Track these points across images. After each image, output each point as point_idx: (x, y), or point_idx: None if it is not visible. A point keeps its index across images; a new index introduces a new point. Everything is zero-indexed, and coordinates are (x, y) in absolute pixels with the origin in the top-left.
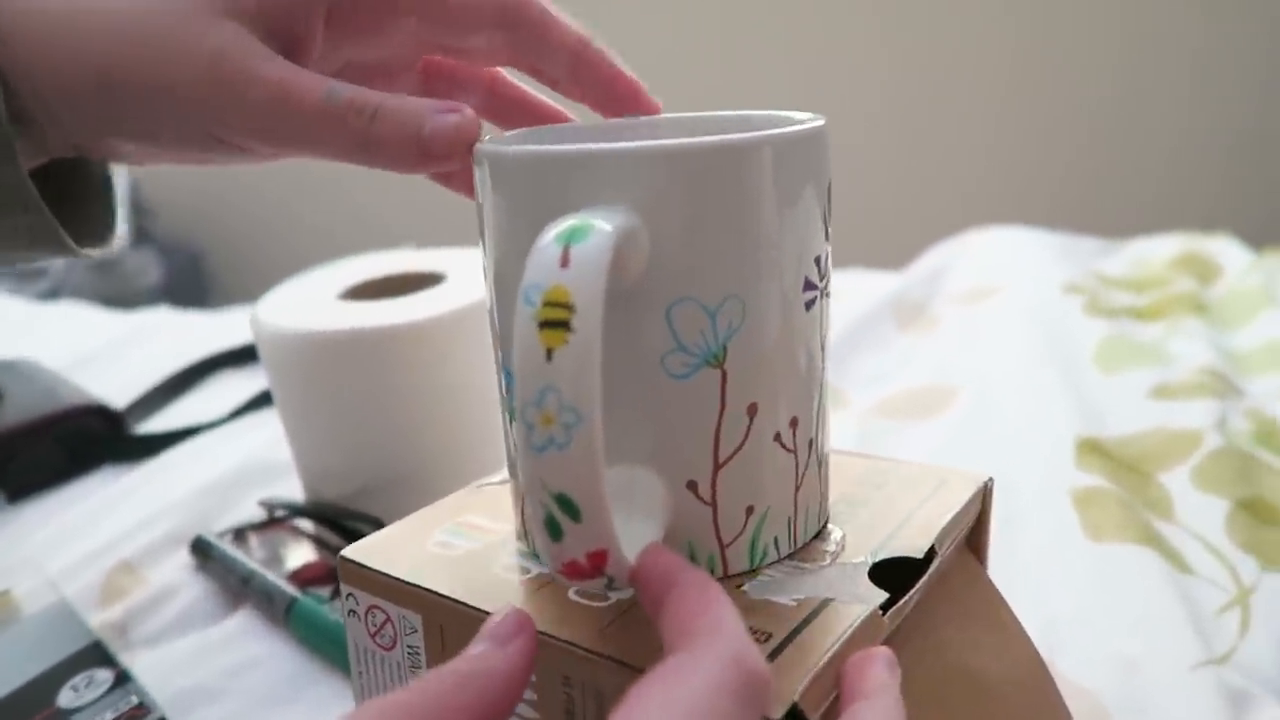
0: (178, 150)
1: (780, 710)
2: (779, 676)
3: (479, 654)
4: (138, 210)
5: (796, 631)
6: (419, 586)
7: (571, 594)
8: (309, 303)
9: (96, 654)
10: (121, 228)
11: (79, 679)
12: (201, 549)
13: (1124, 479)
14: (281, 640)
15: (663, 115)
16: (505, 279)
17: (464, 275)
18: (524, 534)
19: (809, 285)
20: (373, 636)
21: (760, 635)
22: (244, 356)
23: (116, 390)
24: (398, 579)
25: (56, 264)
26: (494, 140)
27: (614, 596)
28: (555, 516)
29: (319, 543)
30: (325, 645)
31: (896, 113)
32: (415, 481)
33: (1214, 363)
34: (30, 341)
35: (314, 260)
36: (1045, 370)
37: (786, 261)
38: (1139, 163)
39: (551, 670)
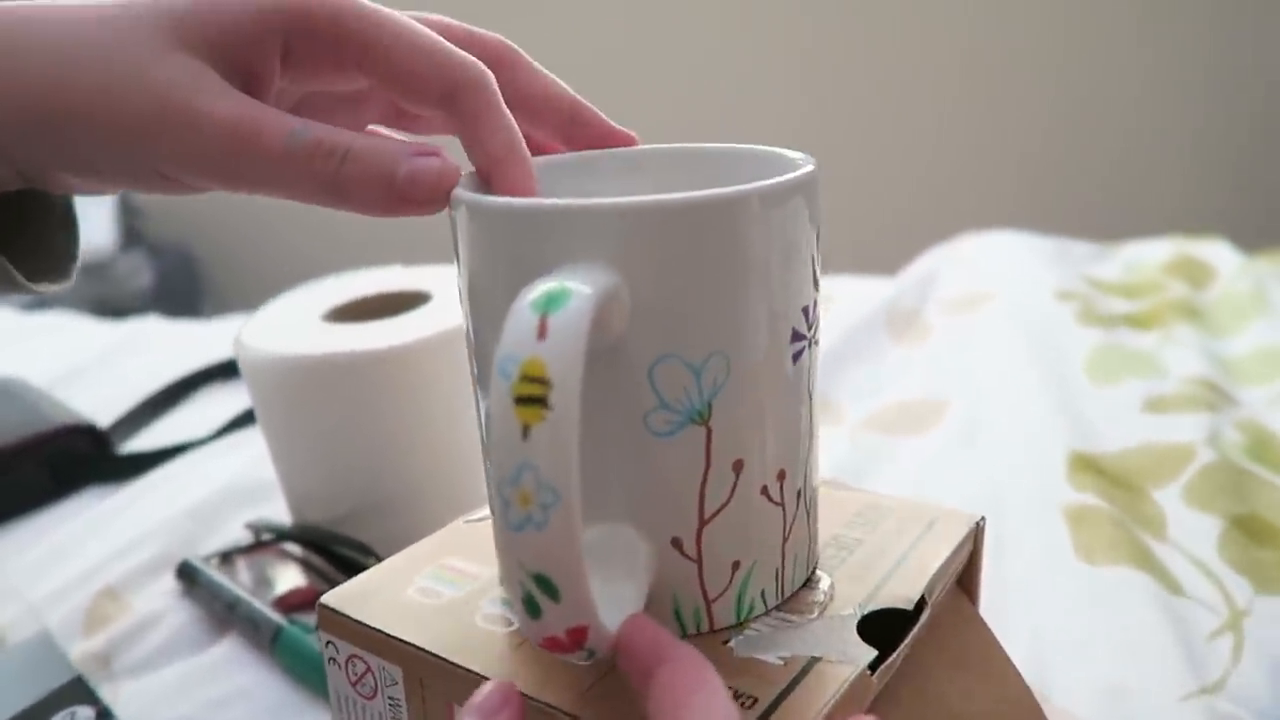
0: (125, 185)
1: None
2: None
3: None
4: (128, 211)
5: (783, 696)
6: (399, 639)
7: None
8: (293, 325)
9: (78, 690)
10: (77, 260)
11: (61, 716)
12: (187, 574)
13: (1117, 496)
14: (267, 669)
15: (645, 147)
16: (481, 318)
17: (450, 295)
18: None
19: (796, 336)
20: (353, 685)
21: (746, 700)
22: (231, 370)
23: (105, 404)
24: (378, 630)
25: None
26: (470, 182)
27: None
28: (534, 595)
29: (307, 566)
30: (311, 675)
31: (889, 116)
32: (401, 506)
33: (1207, 372)
34: (19, 353)
35: (307, 260)
36: (1037, 382)
37: (773, 314)
38: (1130, 165)
39: None
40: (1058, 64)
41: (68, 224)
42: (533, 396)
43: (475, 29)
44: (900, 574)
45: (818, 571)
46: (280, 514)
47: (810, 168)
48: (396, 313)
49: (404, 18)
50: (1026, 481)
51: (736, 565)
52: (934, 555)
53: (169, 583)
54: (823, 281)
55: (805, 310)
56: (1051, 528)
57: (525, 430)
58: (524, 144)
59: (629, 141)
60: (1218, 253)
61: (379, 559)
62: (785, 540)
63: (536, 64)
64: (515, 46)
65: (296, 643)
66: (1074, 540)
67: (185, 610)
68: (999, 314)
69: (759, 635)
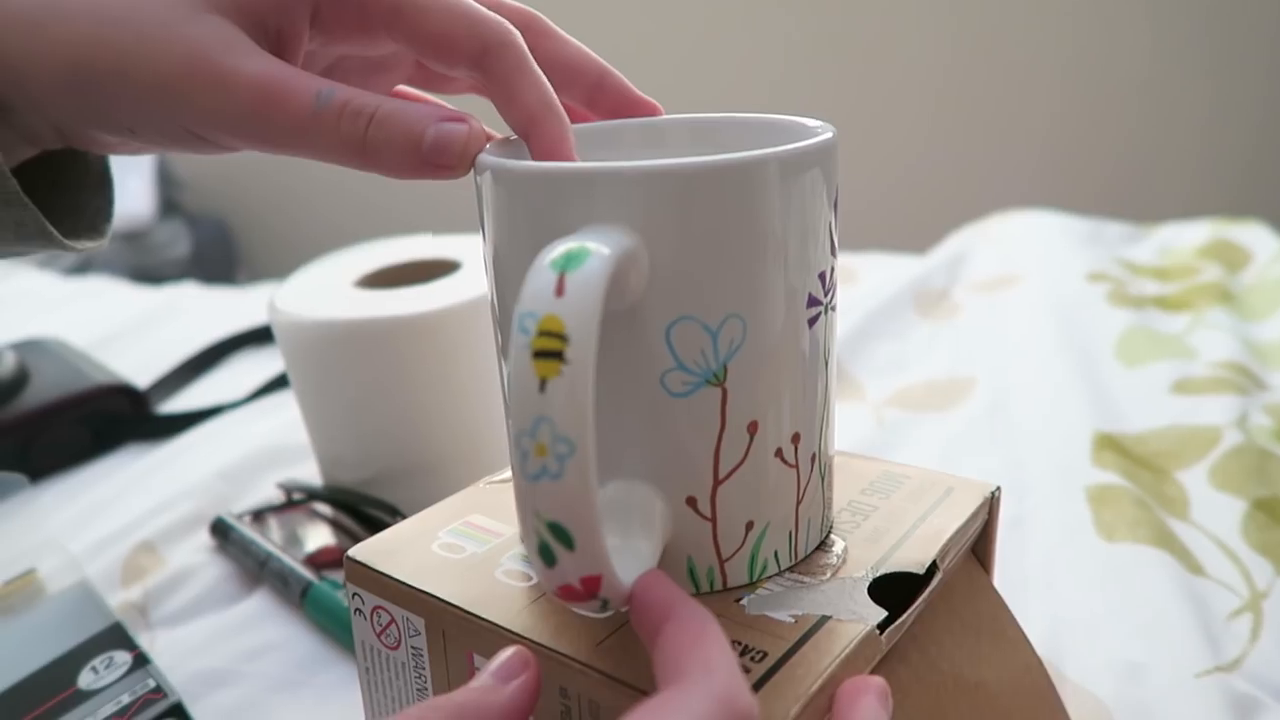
0: (159, 145)
1: None
2: (773, 699)
3: (480, 688)
4: (167, 182)
5: (792, 651)
6: (423, 591)
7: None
8: (325, 290)
9: (117, 635)
10: (112, 220)
11: (99, 660)
12: (221, 530)
13: (1140, 477)
14: (297, 623)
15: (667, 117)
16: (505, 283)
17: (479, 263)
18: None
19: (813, 302)
20: (378, 635)
21: (755, 654)
22: (265, 336)
23: (143, 366)
24: (402, 582)
25: None
26: (495, 148)
27: (613, 610)
28: (549, 543)
29: (336, 526)
30: (339, 630)
31: (923, 91)
32: (428, 470)
33: (1237, 356)
34: (60, 317)
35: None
36: (1065, 363)
37: (790, 279)
38: (1170, 146)
39: (550, 679)
40: (1098, 41)
41: (104, 185)
42: (550, 351)
43: None
44: (913, 540)
45: (832, 535)
46: (311, 475)
47: (829, 135)
48: (426, 280)
49: None
50: (1050, 460)
51: (750, 526)
52: (948, 522)
53: (203, 538)
54: (852, 258)
55: (822, 276)
56: (1073, 506)
57: (542, 384)
58: (558, 101)
59: (654, 110)
60: (1256, 236)
61: (405, 519)
62: (799, 503)
63: (562, 31)
64: (540, 15)
65: (325, 598)
66: (1095, 519)
67: (219, 565)
68: (1028, 294)
69: (771, 594)
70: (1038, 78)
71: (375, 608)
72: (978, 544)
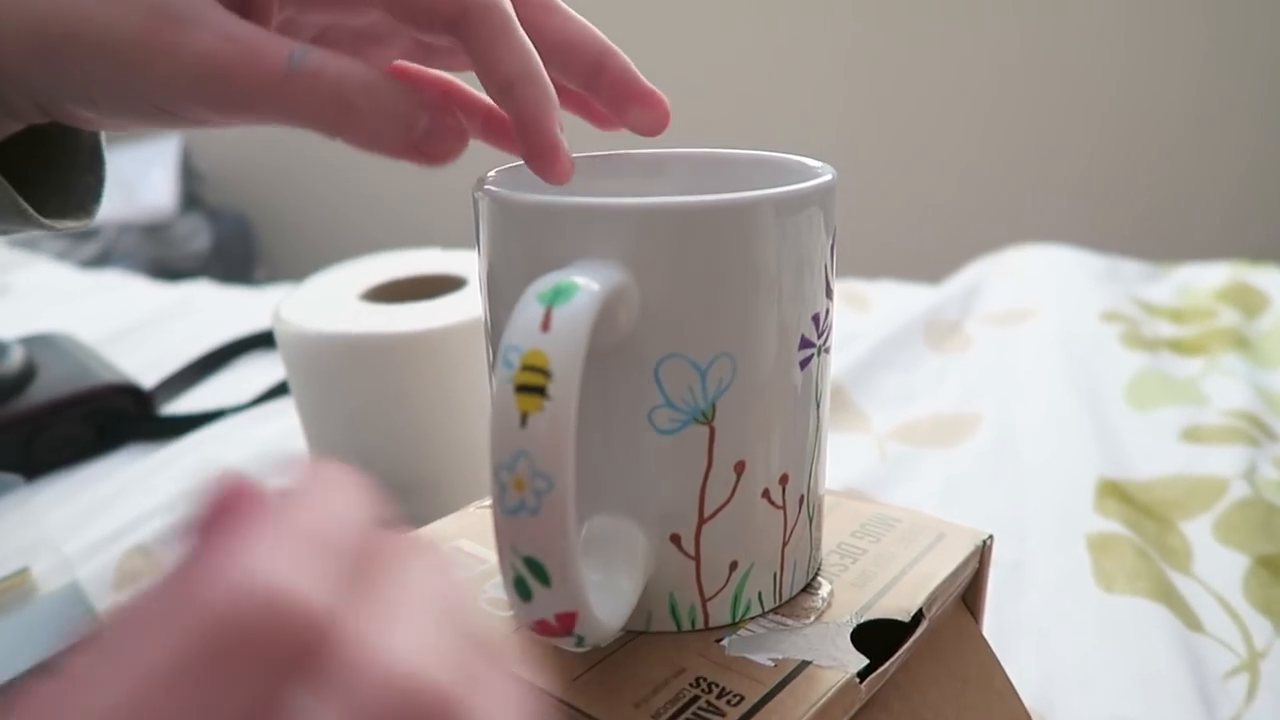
0: (124, 118)
1: None
2: None
3: None
4: (189, 176)
5: (769, 696)
6: None
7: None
8: (330, 302)
9: None
10: (100, 200)
11: None
12: None
13: (1143, 526)
14: None
15: (669, 150)
16: (496, 305)
17: None
18: None
19: (805, 343)
20: None
21: (732, 697)
22: (272, 340)
23: (152, 364)
24: None
25: (107, 228)
26: (494, 177)
27: (591, 646)
28: (525, 578)
29: None
30: None
31: (954, 123)
32: (423, 487)
33: (1250, 404)
34: (74, 310)
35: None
36: (1073, 404)
37: (783, 320)
38: (1195, 185)
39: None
40: (1128, 80)
41: (96, 162)
42: (533, 386)
43: None
44: (901, 586)
45: (819, 578)
46: None
47: (828, 177)
48: (431, 296)
49: None
50: (1052, 505)
51: (734, 566)
52: (937, 569)
53: None
54: (865, 285)
55: (816, 318)
56: (1073, 554)
57: (524, 418)
58: (542, 70)
59: (658, 101)
60: (1275, 280)
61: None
62: (785, 544)
63: (566, 5)
64: None
65: None
66: (1095, 568)
67: None
68: (1041, 331)
69: (753, 636)
70: (1070, 113)
71: None
72: (968, 592)
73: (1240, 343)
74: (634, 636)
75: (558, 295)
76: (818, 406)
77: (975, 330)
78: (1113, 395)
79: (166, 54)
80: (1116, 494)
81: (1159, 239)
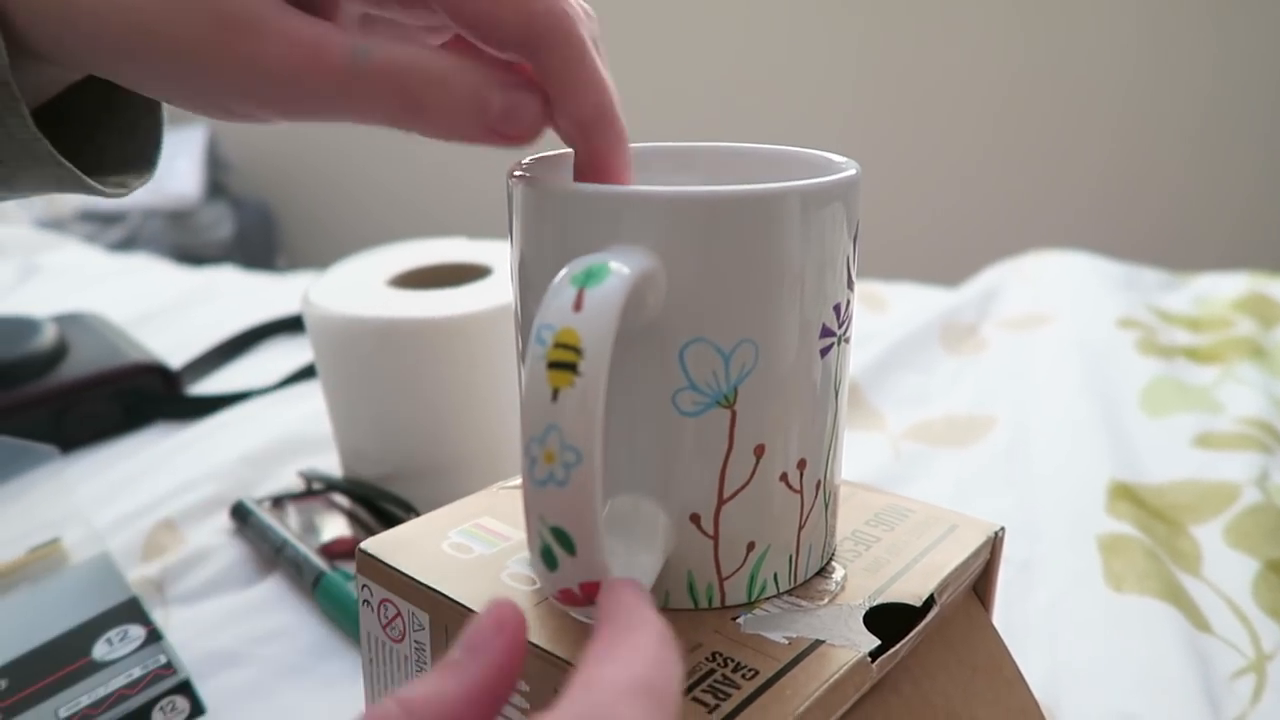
0: (181, 106)
1: None
2: (759, 717)
3: (443, 669)
4: (214, 164)
5: (783, 672)
6: (429, 587)
7: (574, 613)
8: (358, 287)
9: (133, 610)
10: (156, 164)
11: (114, 633)
12: (241, 514)
13: (1154, 528)
14: (307, 610)
15: (698, 144)
16: (528, 292)
17: (509, 270)
18: None
19: (826, 332)
20: (384, 627)
21: (747, 671)
22: (299, 324)
23: (178, 346)
24: (410, 577)
25: (133, 214)
26: (528, 164)
27: None
28: (551, 547)
29: (352, 518)
30: (347, 620)
31: (966, 126)
32: (446, 471)
33: (1264, 413)
34: (102, 292)
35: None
36: (1087, 408)
37: (805, 309)
38: (1214, 194)
39: (546, 682)
40: (1153, 89)
41: (154, 107)
42: (564, 362)
43: None
44: (913, 572)
45: (833, 563)
46: (332, 466)
47: (852, 172)
48: (457, 283)
49: None
50: (1064, 506)
51: (751, 546)
52: (949, 558)
53: (223, 520)
54: (882, 287)
55: (837, 308)
56: (1084, 554)
57: (555, 393)
58: (616, 106)
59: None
60: None
61: (419, 517)
62: (801, 528)
63: (592, 51)
64: (575, 21)
65: (336, 588)
66: (1105, 568)
67: (236, 548)
68: (1057, 335)
69: (768, 615)
70: (1089, 120)
71: (383, 600)
72: (979, 583)
73: (1256, 352)
74: None
75: (590, 277)
76: (836, 395)
77: (991, 334)
78: (1127, 401)
79: (230, 62)
80: (1128, 497)
81: (1177, 248)
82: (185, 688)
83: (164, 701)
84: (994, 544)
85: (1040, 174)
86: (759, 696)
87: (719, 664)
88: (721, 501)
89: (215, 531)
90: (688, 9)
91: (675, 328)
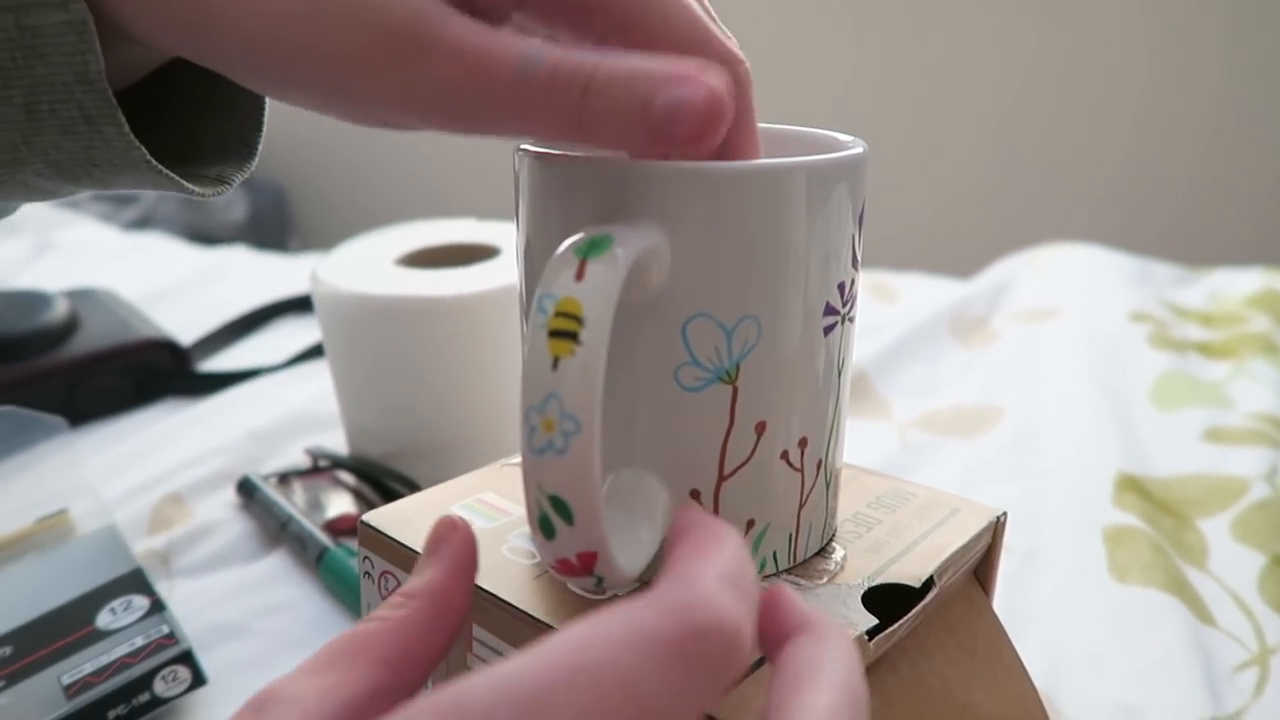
0: (318, 110)
1: None
2: (753, 692)
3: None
4: None
5: None
6: None
7: (571, 584)
8: (366, 266)
9: (137, 580)
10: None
11: (118, 603)
12: (247, 489)
13: (1160, 521)
14: (310, 585)
15: None
16: (533, 271)
17: None
18: None
19: (830, 310)
20: (384, 599)
21: None
22: (307, 305)
23: (189, 324)
24: (411, 549)
25: (148, 194)
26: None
27: (610, 591)
28: (549, 516)
29: (357, 495)
30: (349, 595)
31: (981, 118)
32: (450, 449)
33: (1275, 409)
34: (115, 269)
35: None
36: (1097, 401)
37: (808, 287)
38: (1230, 190)
39: None
40: (1169, 83)
41: (256, 101)
42: (565, 331)
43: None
44: (913, 554)
45: (833, 543)
46: (338, 443)
47: (859, 150)
48: (465, 263)
49: None
50: (1070, 497)
51: (751, 524)
52: (950, 541)
53: (229, 495)
54: (893, 277)
55: (841, 286)
56: (1089, 545)
57: (555, 362)
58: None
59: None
60: None
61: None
62: (801, 507)
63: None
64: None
65: (339, 564)
66: (1109, 559)
67: (241, 522)
68: (1068, 328)
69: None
70: (1105, 114)
71: (384, 572)
72: (980, 568)
73: (1269, 349)
74: None
75: (593, 248)
76: (839, 374)
77: (1002, 326)
78: (1137, 394)
79: (394, 78)
80: (1135, 489)
81: (1193, 243)
82: (187, 658)
83: (166, 671)
84: (996, 529)
85: (1056, 167)
86: (754, 670)
87: None
88: (722, 478)
89: (221, 506)
90: None
91: (678, 302)
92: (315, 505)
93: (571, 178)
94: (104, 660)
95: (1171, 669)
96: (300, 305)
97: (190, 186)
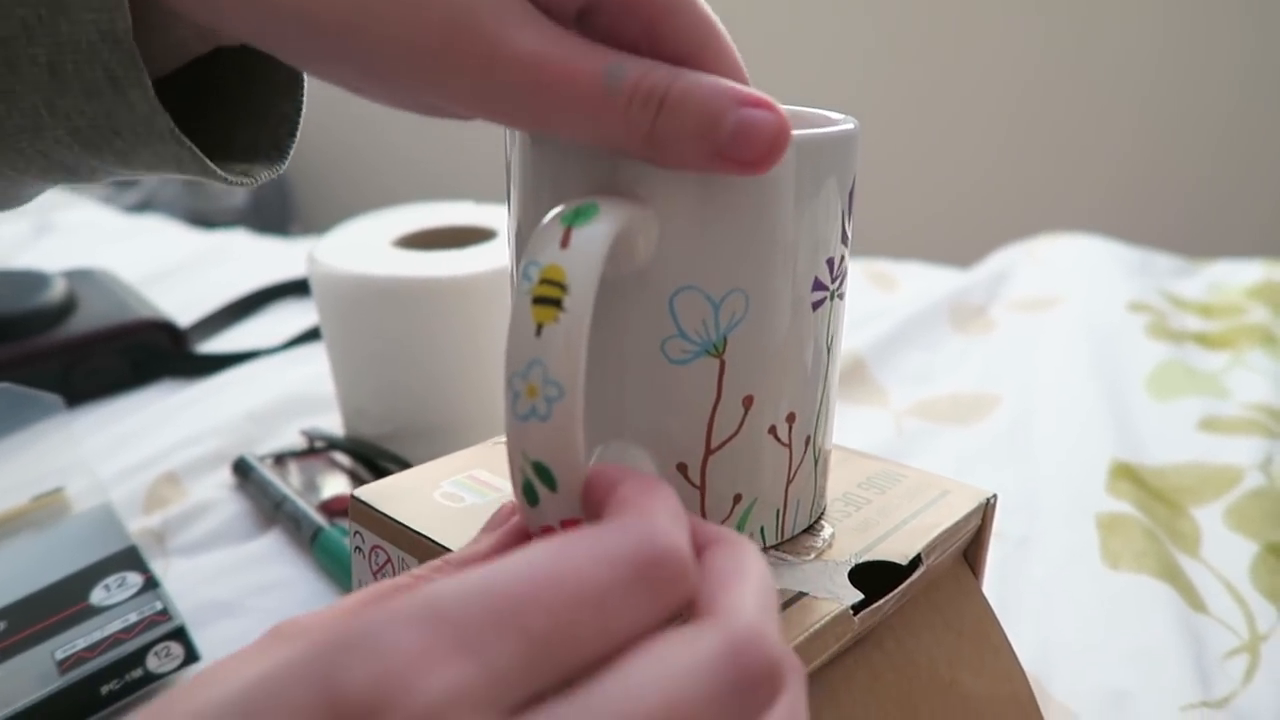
0: (384, 102)
1: None
2: None
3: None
4: None
5: None
6: (419, 533)
7: None
8: (363, 247)
9: (131, 558)
10: (291, 147)
11: (112, 579)
12: (242, 469)
13: (1154, 509)
14: (304, 565)
15: None
16: (523, 241)
17: None
18: None
19: (818, 286)
20: (375, 574)
21: None
22: (305, 288)
23: (187, 306)
24: (401, 524)
25: (149, 177)
26: None
27: None
28: (533, 483)
29: (353, 476)
30: (344, 574)
31: (984, 107)
32: (445, 430)
33: (1272, 399)
34: (115, 251)
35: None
36: (1093, 390)
37: (797, 261)
38: (1233, 183)
39: None
40: (1176, 74)
41: (295, 85)
42: (549, 298)
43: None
44: (902, 533)
45: (822, 521)
46: (334, 425)
47: (848, 127)
48: (462, 246)
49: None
50: (1065, 484)
51: (738, 499)
52: (939, 520)
53: (225, 475)
54: (893, 266)
55: (830, 262)
56: (1082, 531)
57: (539, 329)
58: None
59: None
60: None
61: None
62: (789, 483)
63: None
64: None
65: (334, 544)
66: (1102, 546)
67: (236, 502)
68: (1066, 317)
69: None
70: (1109, 106)
71: (374, 547)
72: (970, 549)
73: (1268, 339)
74: None
75: (578, 216)
76: (829, 350)
77: (1000, 314)
78: (1133, 383)
79: (467, 77)
80: (1129, 477)
81: (1195, 235)
82: (180, 634)
83: (159, 647)
84: (985, 511)
85: (1059, 159)
86: None
87: None
88: (709, 451)
89: (217, 486)
90: None
91: (666, 275)
92: (311, 486)
93: (561, 155)
94: (97, 636)
95: (1162, 655)
96: (299, 288)
97: (213, 167)
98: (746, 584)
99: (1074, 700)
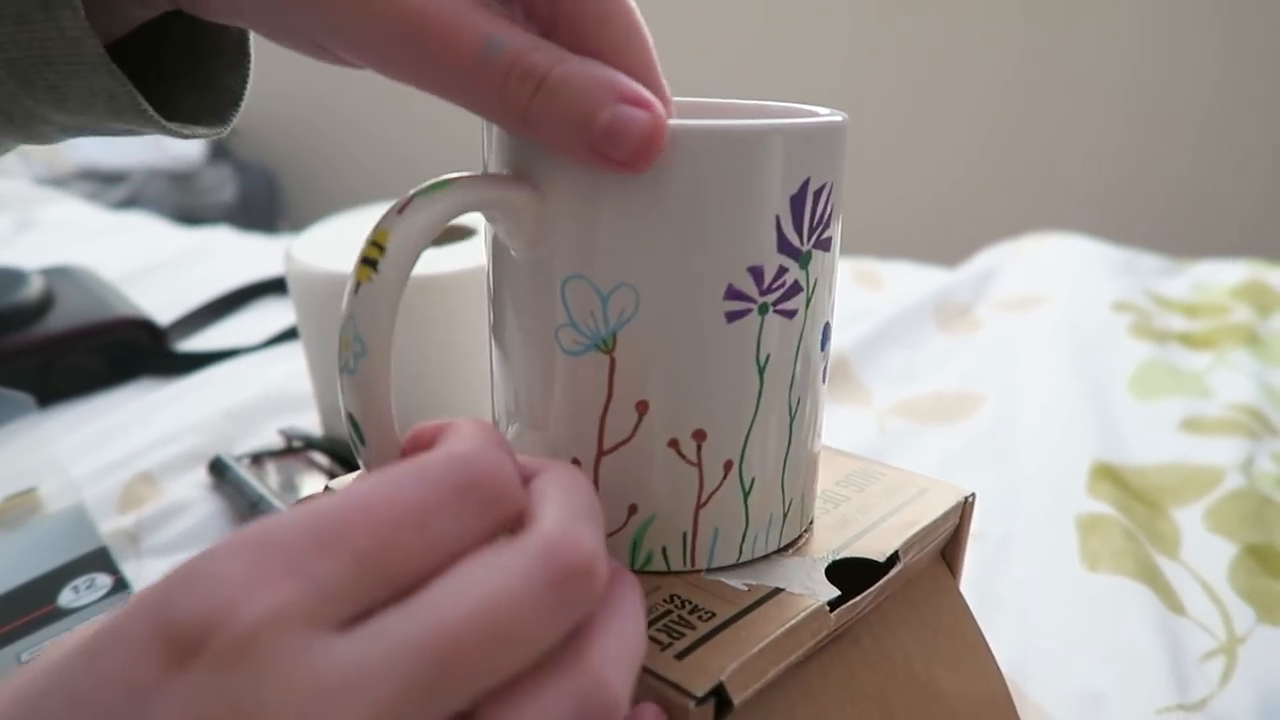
0: (270, 36)
1: (704, 688)
2: (712, 656)
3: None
4: None
5: (740, 615)
6: None
7: None
8: (341, 244)
9: (101, 559)
10: (240, 105)
11: (81, 581)
12: (218, 469)
13: (1134, 510)
14: None
15: (680, 99)
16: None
17: None
18: None
19: (735, 295)
20: None
21: (704, 614)
22: (286, 286)
23: (168, 303)
24: None
25: (135, 174)
26: None
27: None
28: (351, 434)
29: (331, 475)
30: None
31: (970, 107)
32: None
33: (1254, 400)
34: (97, 248)
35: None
36: (1076, 390)
37: (701, 263)
38: (1217, 183)
39: None
40: (1161, 72)
41: (241, 59)
42: (370, 259)
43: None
44: (879, 531)
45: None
46: (313, 424)
47: (785, 123)
48: (441, 244)
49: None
50: (1045, 484)
51: (633, 509)
52: (916, 518)
53: (201, 475)
54: (878, 265)
55: (755, 271)
56: (1061, 532)
57: (357, 287)
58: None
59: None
60: None
61: None
62: (701, 506)
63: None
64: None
65: None
66: (1081, 547)
67: (212, 502)
68: (1050, 317)
69: (730, 564)
70: (1094, 105)
71: None
72: (948, 548)
73: (1251, 340)
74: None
75: (431, 188)
76: (761, 370)
77: (985, 314)
78: (1116, 383)
79: (356, 16)
80: (1110, 477)
81: (1180, 235)
82: None
83: None
84: (964, 509)
85: (1044, 158)
86: (714, 636)
87: (676, 605)
88: (601, 452)
89: (193, 485)
90: None
91: (557, 261)
92: (289, 486)
93: (500, 138)
94: None
95: (1139, 656)
96: (280, 286)
97: (146, 106)
98: (565, 496)
99: (1049, 701)
